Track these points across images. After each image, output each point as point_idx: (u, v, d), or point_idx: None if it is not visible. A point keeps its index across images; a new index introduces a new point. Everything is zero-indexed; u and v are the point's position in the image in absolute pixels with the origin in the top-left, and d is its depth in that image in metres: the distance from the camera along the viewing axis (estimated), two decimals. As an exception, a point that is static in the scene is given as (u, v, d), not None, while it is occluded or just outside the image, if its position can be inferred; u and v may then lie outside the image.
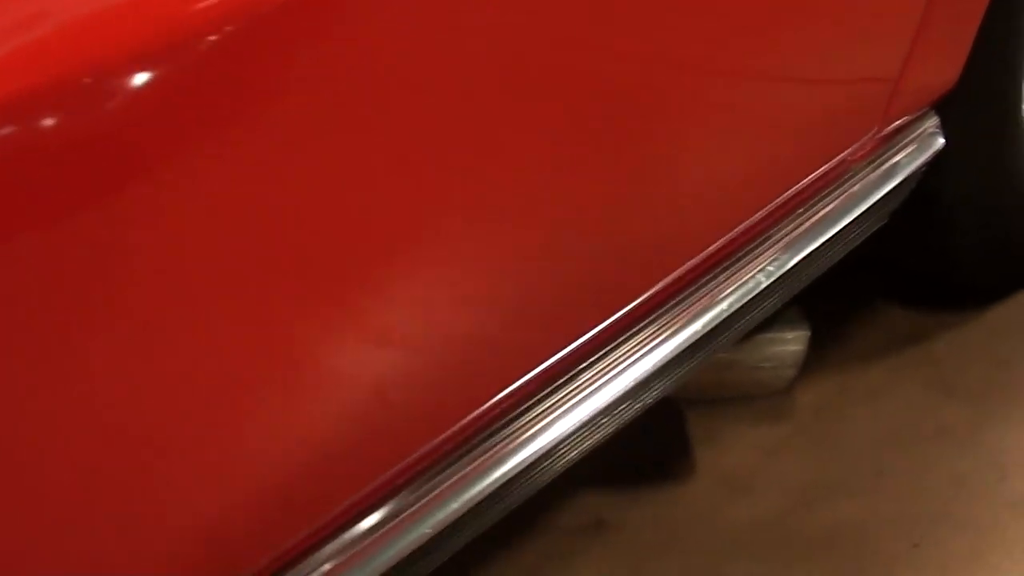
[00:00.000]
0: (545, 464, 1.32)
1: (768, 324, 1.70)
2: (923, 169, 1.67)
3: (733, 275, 1.44)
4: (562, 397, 1.31)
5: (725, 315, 1.41)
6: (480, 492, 1.24)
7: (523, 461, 1.27)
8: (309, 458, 1.07)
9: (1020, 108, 1.80)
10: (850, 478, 1.75)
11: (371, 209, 0.99)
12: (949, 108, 1.67)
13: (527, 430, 1.28)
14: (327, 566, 1.14)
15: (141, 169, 0.83)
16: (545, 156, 1.14)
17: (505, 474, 1.26)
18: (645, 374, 1.34)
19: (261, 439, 1.03)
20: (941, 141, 1.66)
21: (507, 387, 1.23)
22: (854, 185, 1.57)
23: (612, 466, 1.78)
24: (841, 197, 1.55)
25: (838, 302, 2.04)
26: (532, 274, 1.20)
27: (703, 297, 1.41)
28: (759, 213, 1.43)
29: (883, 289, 2.06)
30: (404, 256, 1.07)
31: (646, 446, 1.81)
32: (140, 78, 0.80)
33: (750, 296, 1.44)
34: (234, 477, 1.03)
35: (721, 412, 1.85)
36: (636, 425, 1.79)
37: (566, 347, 1.27)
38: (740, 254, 1.45)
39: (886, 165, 1.61)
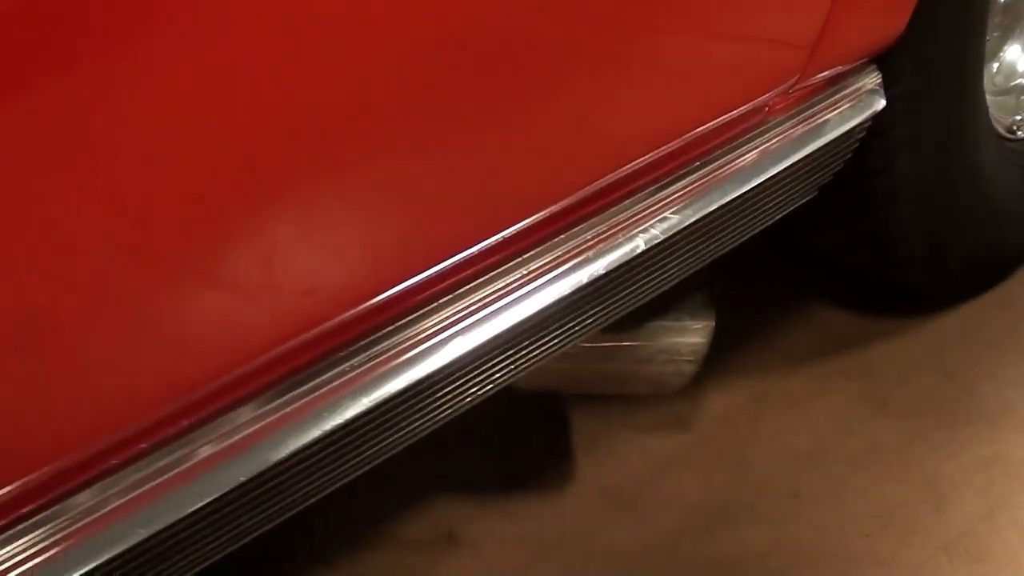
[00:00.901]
0: (362, 446, 1.05)
1: (665, 310, 1.40)
2: (860, 134, 1.39)
3: (606, 232, 1.14)
4: (379, 356, 1.03)
5: (587, 283, 1.12)
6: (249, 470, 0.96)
7: (323, 432, 0.99)
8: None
9: (981, 69, 1.51)
10: (758, 501, 1.46)
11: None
12: (894, 63, 1.39)
13: (329, 393, 1.01)
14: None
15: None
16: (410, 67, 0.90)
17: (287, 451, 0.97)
18: (480, 343, 1.05)
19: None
20: (882, 102, 1.38)
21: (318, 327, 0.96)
22: (770, 141, 1.29)
23: (474, 471, 1.49)
24: (753, 152, 1.27)
25: (761, 295, 1.75)
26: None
27: (567, 254, 1.12)
28: (643, 158, 1.14)
29: (816, 285, 1.77)
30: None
31: (518, 450, 1.52)
32: None
33: (626, 259, 1.15)
34: None
35: (612, 415, 1.57)
36: (507, 425, 1.50)
37: (383, 293, 0.97)
38: (616, 208, 1.16)
39: (813, 122, 1.34)
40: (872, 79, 1.40)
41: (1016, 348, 1.70)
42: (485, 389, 1.13)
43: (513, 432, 1.54)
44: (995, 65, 1.83)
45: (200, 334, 0.89)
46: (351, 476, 1.08)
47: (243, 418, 0.97)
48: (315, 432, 0.97)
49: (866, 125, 1.41)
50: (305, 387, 0.99)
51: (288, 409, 0.96)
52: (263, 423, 0.96)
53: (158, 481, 0.91)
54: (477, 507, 1.46)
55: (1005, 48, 1.84)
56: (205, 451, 0.93)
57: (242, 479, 0.94)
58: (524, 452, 1.53)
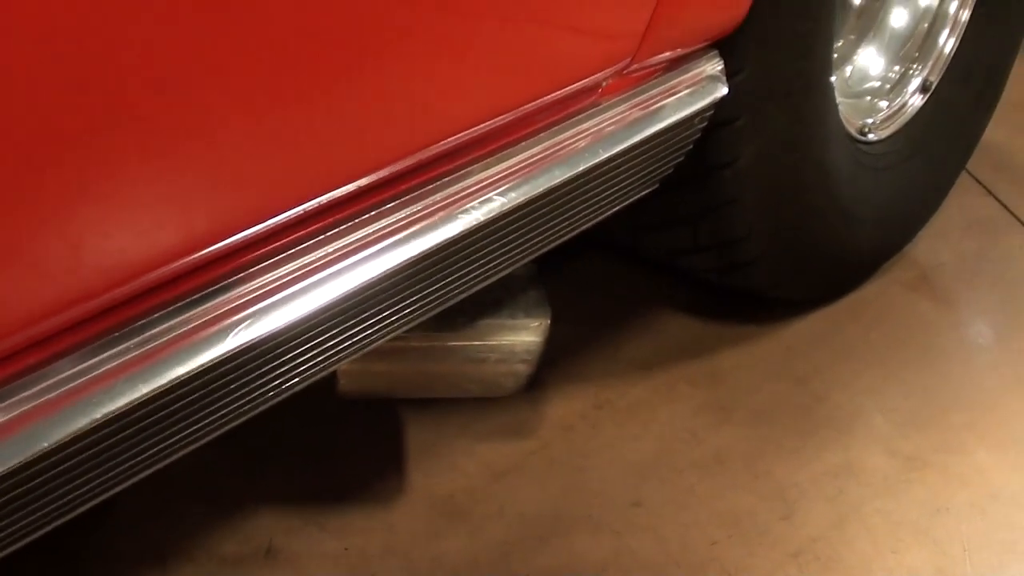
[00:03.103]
0: (152, 438, 0.95)
1: (499, 308, 1.32)
2: (701, 123, 1.33)
3: (422, 212, 1.06)
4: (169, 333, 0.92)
5: (402, 265, 1.04)
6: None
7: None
8: None
9: (829, 62, 1.46)
10: (597, 510, 1.39)
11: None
12: (737, 50, 1.33)
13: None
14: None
15: None
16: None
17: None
18: (289, 320, 0.96)
19: None
20: (724, 89, 1.32)
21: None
22: (603, 124, 1.22)
23: (297, 483, 1.39)
24: (585, 135, 1.20)
25: (607, 302, 1.69)
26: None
27: (380, 232, 1.03)
28: (464, 133, 1.06)
29: (663, 291, 1.71)
30: None
31: (345, 460, 1.42)
32: None
33: (444, 242, 1.07)
34: None
35: (448, 423, 1.49)
36: (333, 434, 1.41)
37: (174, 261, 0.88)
38: (435, 186, 1.07)
39: (650, 107, 1.27)
40: (713, 65, 1.34)
41: (868, 355, 1.65)
42: (297, 374, 1.03)
43: (340, 441, 1.45)
44: (848, 68, 1.80)
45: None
46: (146, 469, 0.97)
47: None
48: (97, 413, 0.87)
49: (708, 114, 1.34)
50: (91, 361, 0.88)
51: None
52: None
53: None
54: (299, 520, 1.36)
55: (858, 52, 1.81)
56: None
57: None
58: (351, 462, 1.43)
